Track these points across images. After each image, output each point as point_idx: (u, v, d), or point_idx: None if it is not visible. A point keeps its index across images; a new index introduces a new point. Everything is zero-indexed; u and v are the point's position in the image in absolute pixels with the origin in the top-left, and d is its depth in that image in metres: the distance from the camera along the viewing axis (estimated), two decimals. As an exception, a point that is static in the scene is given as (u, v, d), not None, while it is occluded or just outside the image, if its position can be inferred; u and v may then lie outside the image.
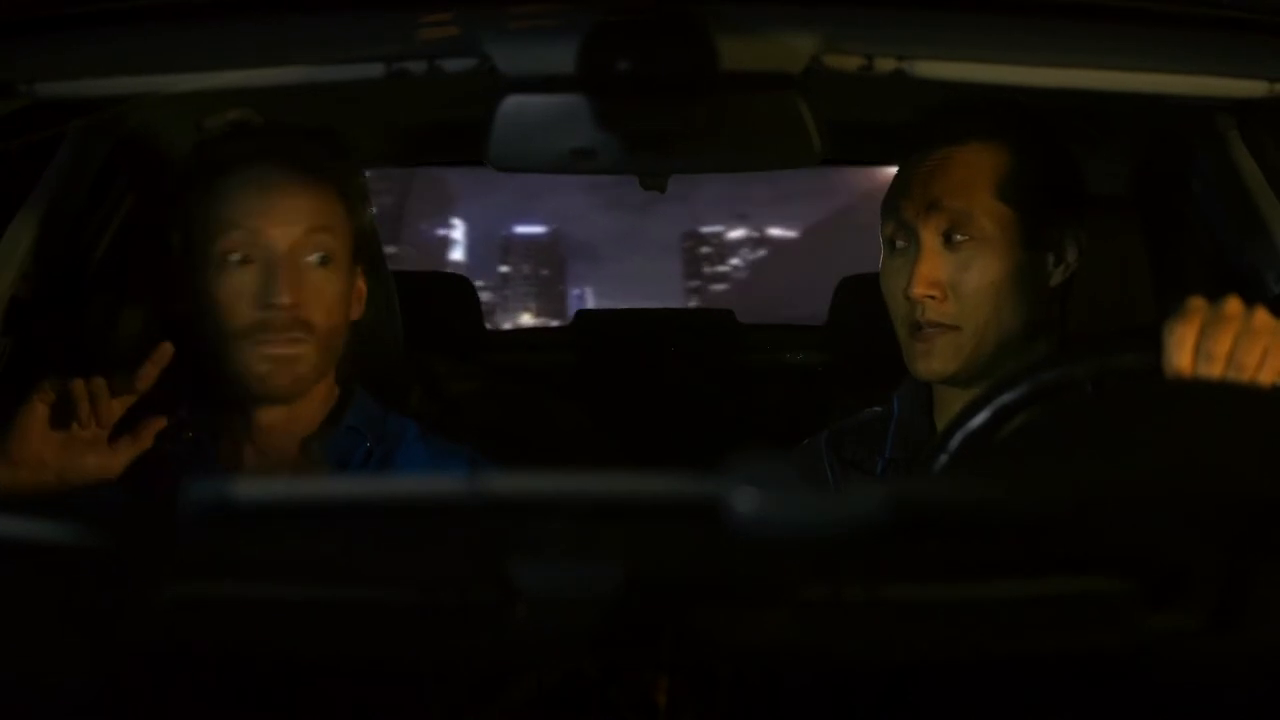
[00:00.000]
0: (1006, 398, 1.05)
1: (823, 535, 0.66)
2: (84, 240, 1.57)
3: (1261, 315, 1.02)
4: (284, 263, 1.31)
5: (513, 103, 1.02)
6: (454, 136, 2.05)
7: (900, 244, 1.34)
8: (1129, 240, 1.60)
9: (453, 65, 1.07)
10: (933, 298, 1.30)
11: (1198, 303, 1.03)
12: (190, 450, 1.37)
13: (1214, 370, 1.01)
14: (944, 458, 1.06)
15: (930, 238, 1.31)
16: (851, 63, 1.07)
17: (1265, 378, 1.01)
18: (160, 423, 1.25)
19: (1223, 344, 1.01)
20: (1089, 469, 0.94)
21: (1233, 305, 1.03)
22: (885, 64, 1.07)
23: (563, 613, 0.69)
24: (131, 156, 1.58)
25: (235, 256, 1.31)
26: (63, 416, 1.21)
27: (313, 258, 1.33)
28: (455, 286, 2.45)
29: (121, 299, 1.61)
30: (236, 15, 1.10)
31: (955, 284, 1.30)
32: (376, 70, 1.08)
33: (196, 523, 0.70)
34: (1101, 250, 1.41)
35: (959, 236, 1.31)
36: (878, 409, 1.46)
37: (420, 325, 1.75)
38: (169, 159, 1.62)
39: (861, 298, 2.43)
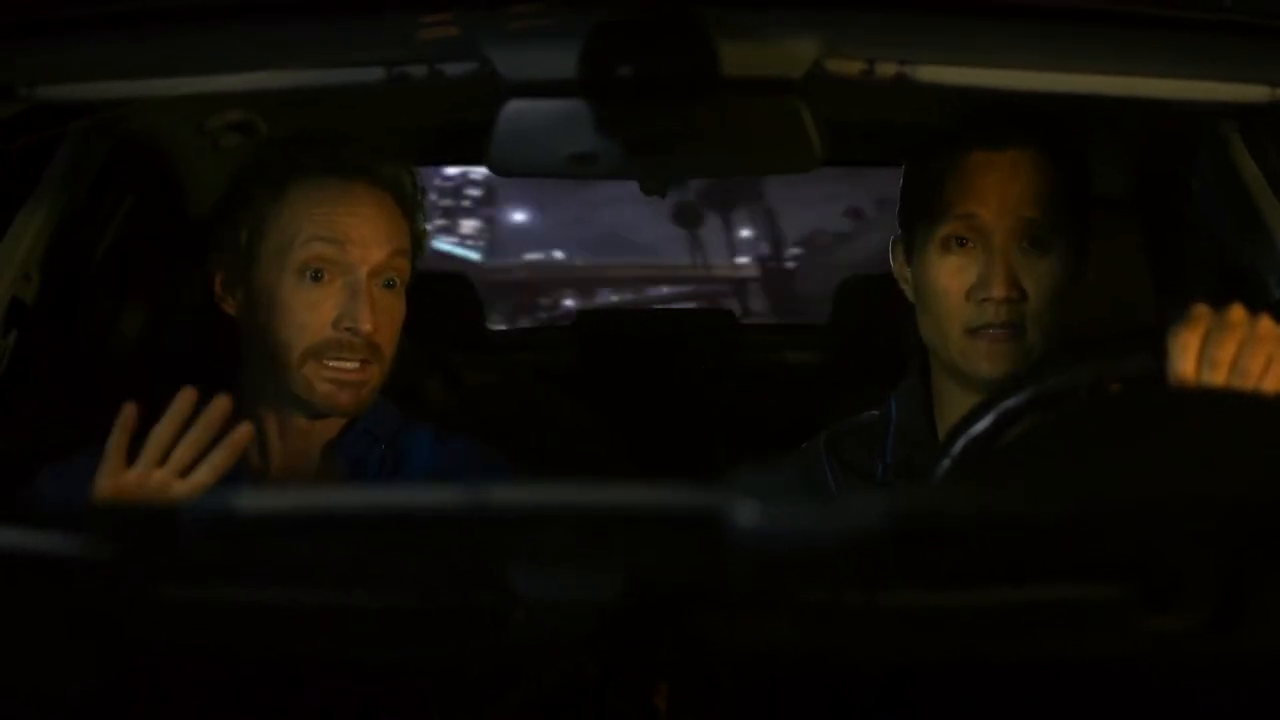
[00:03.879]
0: (1010, 403, 1.05)
1: (823, 544, 0.66)
2: (84, 241, 1.57)
3: (1266, 323, 1.03)
4: (365, 286, 1.32)
5: (514, 107, 1.02)
6: (455, 140, 2.05)
7: (966, 244, 1.32)
8: (1130, 243, 1.60)
9: (453, 69, 1.07)
10: (1011, 300, 1.30)
11: (1202, 309, 1.04)
12: None
13: (1218, 377, 1.01)
14: (947, 462, 1.06)
15: (1010, 241, 1.30)
16: (853, 67, 1.06)
17: (1269, 385, 1.01)
18: (248, 432, 1.19)
19: (1227, 350, 1.01)
20: (1091, 474, 0.94)
21: (1237, 312, 1.03)
22: (887, 68, 1.07)
23: (563, 617, 0.69)
24: (131, 158, 1.58)
25: (311, 272, 1.32)
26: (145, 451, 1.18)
27: (385, 281, 1.34)
28: (456, 286, 2.45)
29: (121, 299, 1.62)
30: (236, 19, 1.10)
31: (1028, 288, 1.30)
32: (377, 74, 1.08)
33: (199, 530, 0.70)
34: (1102, 253, 1.42)
35: (1035, 242, 1.31)
36: (875, 412, 1.46)
37: (420, 325, 1.76)
38: (169, 160, 1.62)
39: (862, 298, 2.44)
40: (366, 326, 1.30)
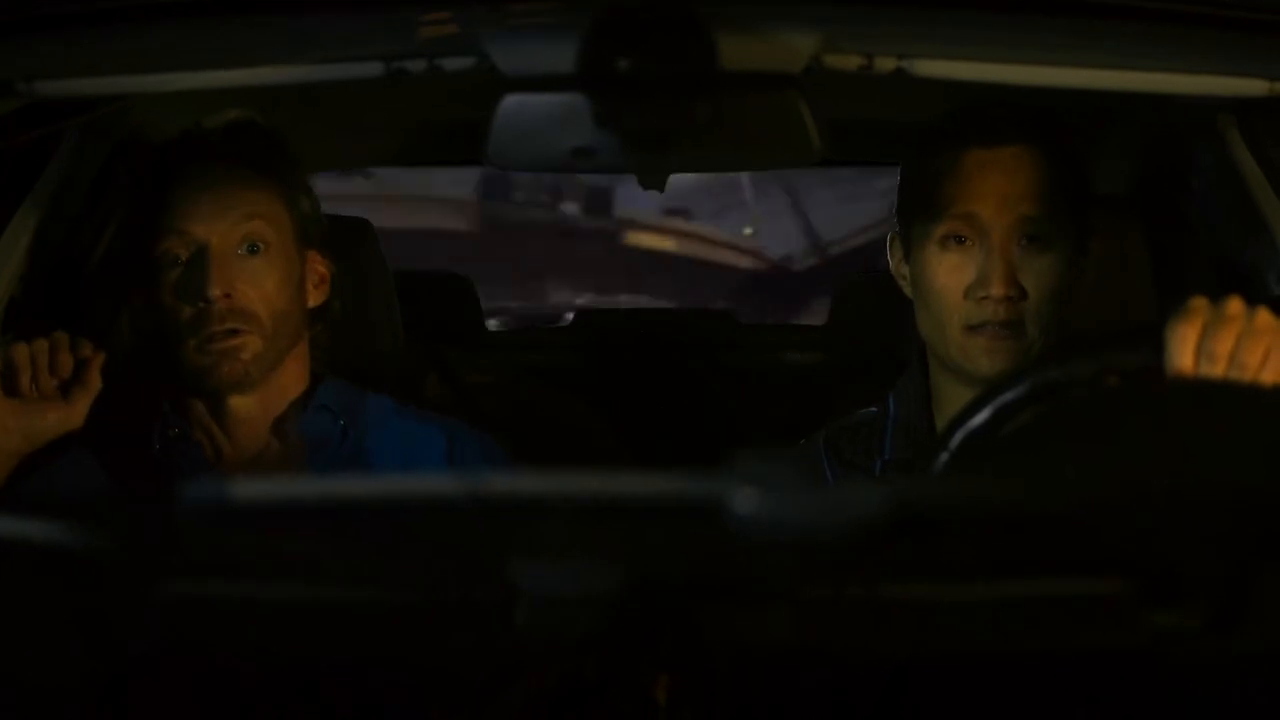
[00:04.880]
0: (1008, 396, 1.04)
1: (823, 535, 0.66)
2: (83, 240, 1.57)
3: (1264, 315, 1.02)
4: (213, 256, 1.32)
5: (512, 102, 1.02)
6: (454, 135, 2.05)
7: (964, 240, 1.31)
8: (1129, 239, 1.60)
9: (452, 64, 1.07)
10: (1010, 298, 1.29)
11: (1200, 303, 1.03)
12: (176, 447, 1.38)
13: (1216, 370, 1.01)
14: (945, 456, 1.06)
15: (1009, 239, 1.30)
16: (851, 62, 1.07)
17: (1267, 377, 1.01)
18: (101, 358, 1.29)
19: (1225, 344, 1.01)
20: (1090, 468, 0.94)
21: (1235, 305, 1.03)
22: (885, 63, 1.08)
23: (563, 611, 0.69)
24: (131, 156, 1.58)
25: (170, 258, 1.33)
26: (13, 380, 1.25)
27: (243, 248, 1.34)
28: (455, 286, 2.45)
29: (121, 299, 1.61)
30: (236, 14, 1.10)
31: (1027, 286, 1.30)
32: (376, 69, 1.08)
33: (195, 523, 0.70)
34: (1102, 249, 1.42)
35: (1033, 239, 1.30)
36: (873, 409, 1.45)
37: (420, 325, 1.76)
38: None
39: (861, 297, 2.43)
40: (213, 292, 1.31)
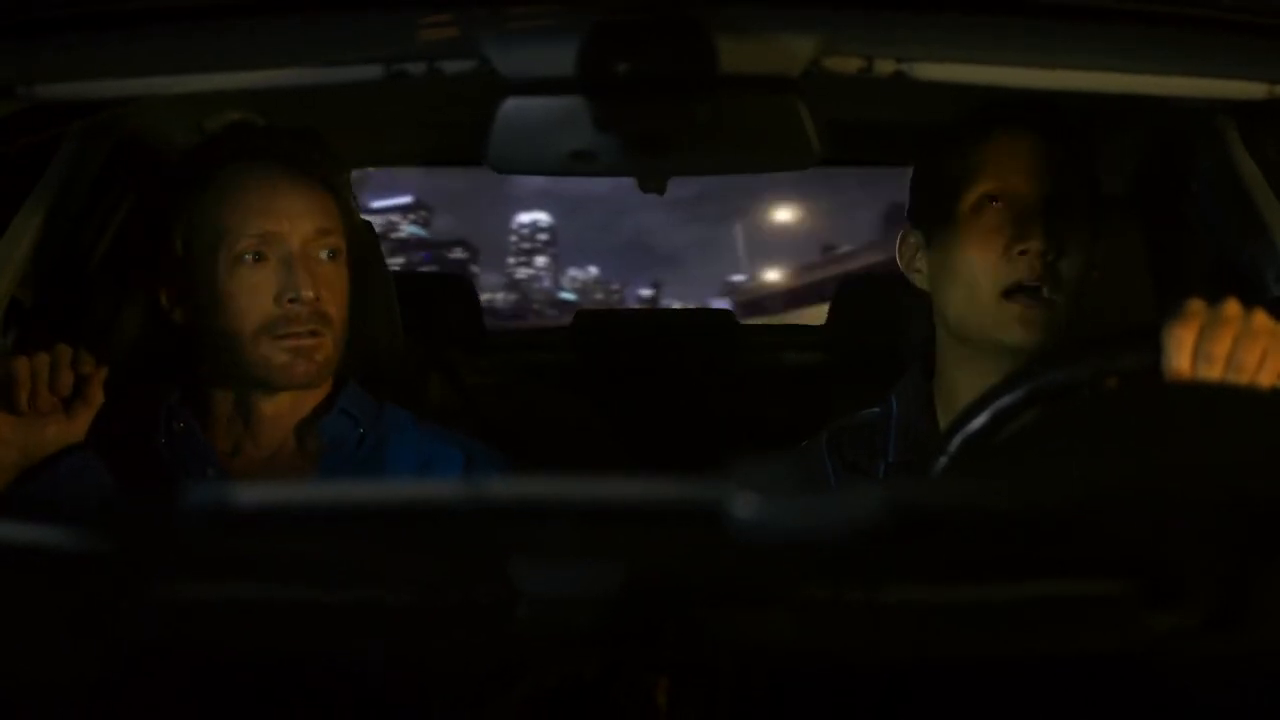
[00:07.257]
0: (1006, 400, 1.05)
1: (823, 538, 0.66)
2: (84, 241, 1.57)
3: (1260, 317, 1.03)
4: (300, 259, 1.34)
5: (512, 104, 1.03)
6: (454, 138, 2.06)
7: (998, 202, 1.34)
8: (1129, 240, 1.60)
9: (452, 67, 1.07)
10: (1047, 259, 1.30)
11: (1197, 305, 1.04)
12: (182, 440, 1.39)
13: (1213, 372, 1.01)
14: (944, 460, 1.06)
15: (1039, 204, 1.32)
16: (851, 64, 1.07)
17: (1264, 379, 1.01)
18: (103, 373, 1.28)
19: (1222, 345, 1.01)
20: (1089, 470, 0.94)
21: (1231, 307, 1.03)
22: (885, 66, 1.08)
23: (564, 613, 0.69)
24: (131, 157, 1.58)
25: (250, 256, 1.34)
26: (12, 396, 1.24)
27: (324, 253, 1.37)
28: (455, 286, 2.45)
29: (121, 299, 1.62)
30: (236, 17, 1.10)
31: (1057, 262, 1.32)
32: (376, 72, 1.08)
33: (196, 525, 0.70)
34: (1102, 250, 1.42)
35: (1062, 215, 1.32)
36: (875, 410, 1.45)
37: (420, 325, 1.76)
38: (169, 160, 1.63)
39: (861, 299, 2.44)
40: (308, 293, 1.33)
